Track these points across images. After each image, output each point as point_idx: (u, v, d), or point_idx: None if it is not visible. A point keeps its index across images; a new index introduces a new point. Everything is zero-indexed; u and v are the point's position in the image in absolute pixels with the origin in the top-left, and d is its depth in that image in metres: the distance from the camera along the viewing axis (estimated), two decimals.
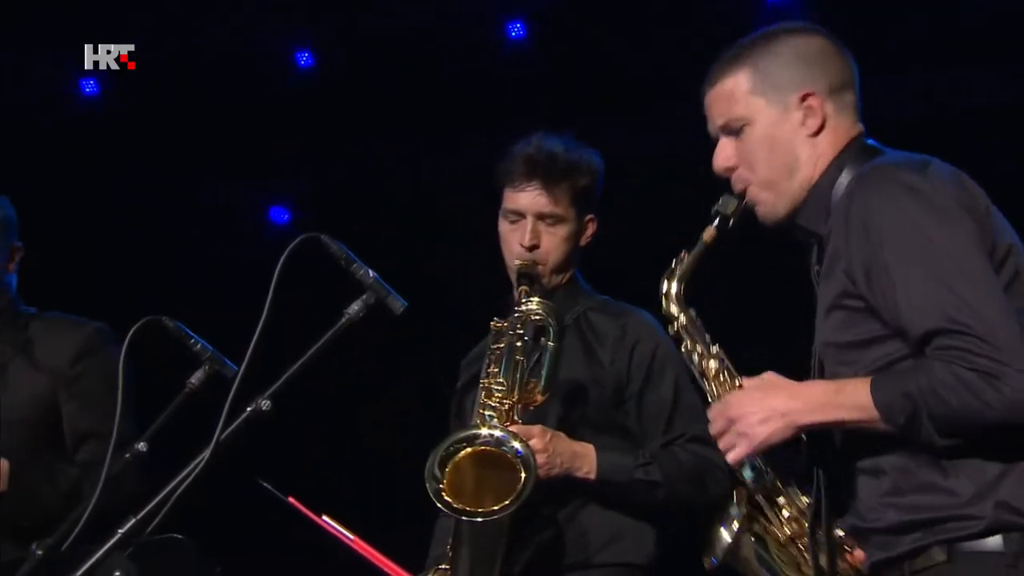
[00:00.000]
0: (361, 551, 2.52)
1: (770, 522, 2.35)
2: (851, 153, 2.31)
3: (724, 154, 2.36)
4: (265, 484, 2.53)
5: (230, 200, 5.06)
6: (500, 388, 2.98)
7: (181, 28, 4.96)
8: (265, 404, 2.54)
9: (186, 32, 4.97)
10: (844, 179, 2.28)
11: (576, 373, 3.11)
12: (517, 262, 3.12)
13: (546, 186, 3.10)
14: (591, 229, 3.20)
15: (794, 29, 2.38)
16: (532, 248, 3.12)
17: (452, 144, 4.87)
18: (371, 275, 2.66)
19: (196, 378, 2.89)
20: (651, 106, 4.68)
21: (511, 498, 2.83)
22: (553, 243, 3.13)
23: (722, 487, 2.98)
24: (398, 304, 2.66)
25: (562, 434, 3.02)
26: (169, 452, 2.77)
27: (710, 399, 2.37)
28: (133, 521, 2.43)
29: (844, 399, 2.17)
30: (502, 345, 3.01)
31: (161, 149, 4.99)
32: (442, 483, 2.83)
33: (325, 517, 2.57)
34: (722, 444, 2.26)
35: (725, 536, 2.35)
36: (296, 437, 4.30)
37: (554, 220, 3.12)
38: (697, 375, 2.39)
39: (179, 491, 2.46)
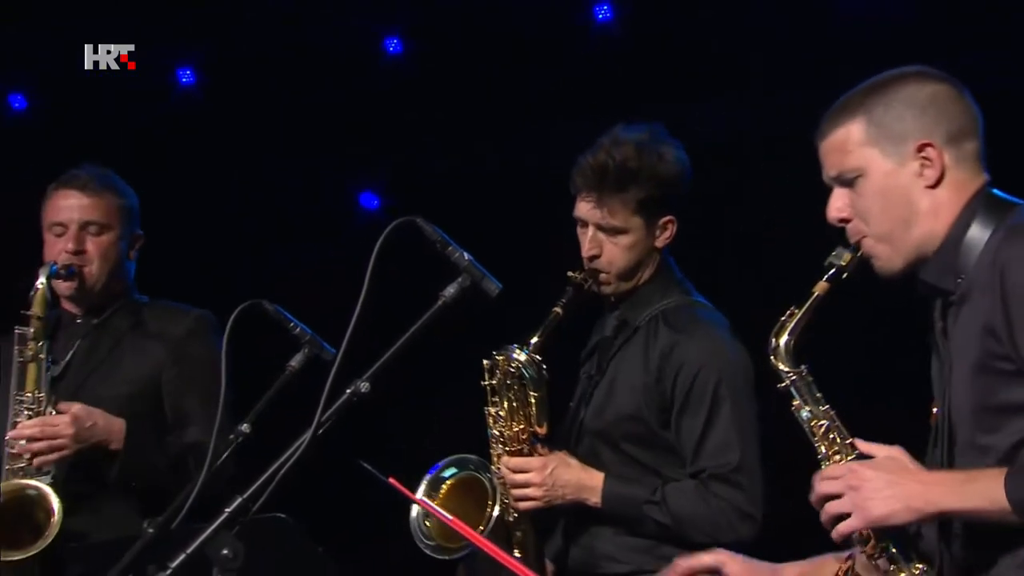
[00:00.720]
0: (461, 532, 2.54)
1: None
2: (979, 205, 2.24)
3: (837, 205, 2.31)
4: (366, 465, 2.55)
5: (321, 186, 5.09)
6: (501, 418, 3.02)
7: (273, 15, 4.99)
8: (364, 386, 2.57)
9: (279, 19, 5.00)
10: (978, 234, 2.21)
11: (627, 381, 3.09)
12: (569, 273, 3.11)
13: (600, 199, 3.06)
14: (670, 231, 3.13)
15: (909, 75, 2.31)
16: (593, 258, 3.09)
17: (541, 130, 4.85)
18: (466, 257, 2.68)
19: (296, 361, 2.97)
20: (742, 87, 4.62)
21: (483, 525, 2.95)
22: (615, 252, 3.10)
23: (740, 534, 2.97)
24: (493, 286, 2.68)
25: (574, 463, 3.02)
26: (270, 434, 2.82)
27: (819, 458, 2.31)
28: (239, 500, 2.46)
29: (975, 492, 2.12)
30: (494, 381, 3.03)
31: (253, 137, 5.04)
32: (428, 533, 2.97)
33: (424, 498, 2.59)
34: (832, 508, 2.21)
35: None
36: (397, 418, 4.34)
37: (612, 231, 3.09)
38: (807, 432, 2.32)
39: (282, 472, 2.50)
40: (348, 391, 2.55)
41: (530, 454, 3.01)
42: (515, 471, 2.99)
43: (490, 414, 3.02)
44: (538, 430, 3.02)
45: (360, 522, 4.42)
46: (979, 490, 2.11)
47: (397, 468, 2.57)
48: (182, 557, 2.40)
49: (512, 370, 2.99)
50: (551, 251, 3.21)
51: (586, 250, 3.10)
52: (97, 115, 4.97)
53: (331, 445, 2.55)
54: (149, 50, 4.93)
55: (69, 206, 3.42)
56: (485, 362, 3.02)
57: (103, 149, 3.83)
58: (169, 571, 2.40)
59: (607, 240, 3.09)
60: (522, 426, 3.01)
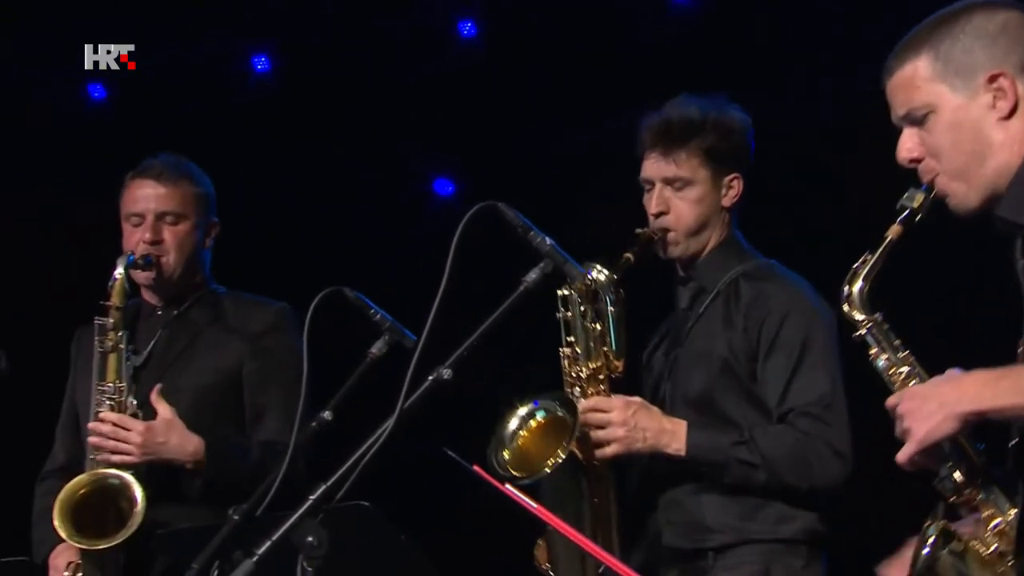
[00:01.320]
0: (545, 519, 2.50)
1: (973, 538, 2.18)
2: None
3: (908, 145, 2.23)
4: (450, 452, 2.52)
5: (395, 173, 5.07)
6: (580, 354, 2.94)
7: (348, 3, 4.98)
8: (446, 373, 2.54)
9: (352, 4, 4.98)
10: None
11: (712, 342, 3.03)
12: (637, 230, 3.06)
13: (666, 150, 3.05)
14: (737, 188, 3.11)
15: (976, 5, 2.21)
16: (659, 215, 3.06)
17: (616, 113, 4.79)
18: (548, 242, 2.65)
19: (377, 348, 2.96)
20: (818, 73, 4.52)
21: (551, 459, 2.81)
22: (682, 208, 3.06)
23: (832, 472, 2.89)
24: (576, 271, 2.65)
25: (655, 409, 2.94)
26: (352, 421, 2.81)
27: None
28: (323, 488, 2.45)
29: (1009, 383, 2.05)
30: (570, 313, 2.95)
31: (327, 124, 5.03)
32: (505, 452, 2.84)
33: (508, 486, 2.55)
34: (899, 434, 2.14)
35: (922, 555, 2.15)
36: (477, 405, 4.31)
37: (681, 184, 3.06)
38: (886, 382, 2.24)
39: (365, 459, 2.48)
40: (430, 378, 2.53)
41: (608, 394, 2.94)
42: (595, 411, 2.90)
43: (565, 355, 2.95)
44: (616, 364, 2.94)
45: (443, 510, 4.41)
46: (1011, 385, 2.05)
47: (482, 455, 2.55)
48: (268, 544, 2.39)
49: (590, 286, 2.91)
50: (627, 235, 3.16)
51: (653, 207, 3.07)
52: (175, 104, 4.99)
53: (414, 432, 2.53)
54: (218, 37, 4.93)
55: (145, 196, 3.43)
56: (560, 292, 2.94)
57: (179, 139, 3.84)
58: (255, 558, 2.39)
59: (674, 196, 3.07)
60: (600, 363, 2.93)
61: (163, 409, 3.28)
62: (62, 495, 3.18)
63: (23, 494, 3.47)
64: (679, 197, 3.07)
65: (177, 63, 4.97)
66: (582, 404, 2.91)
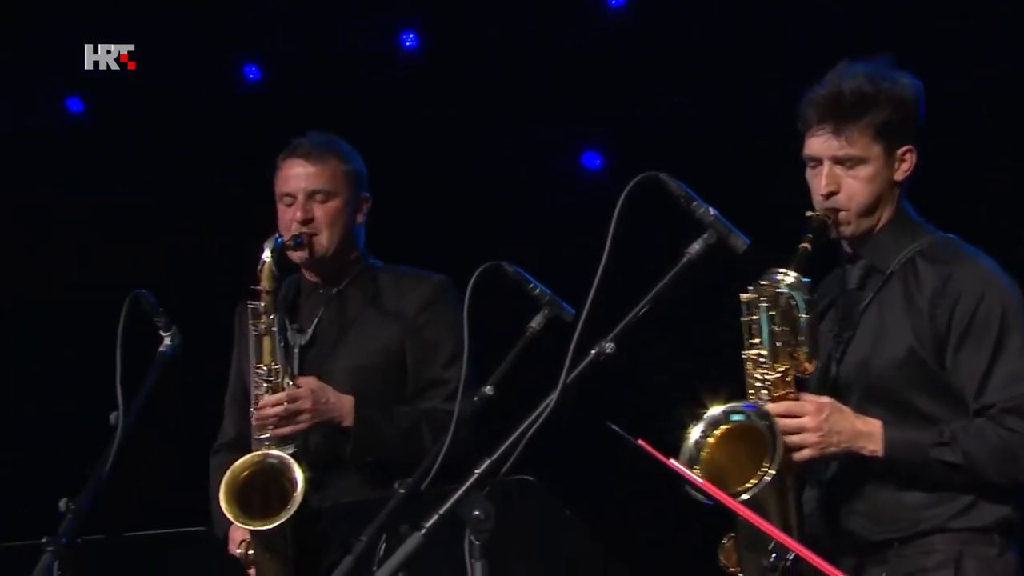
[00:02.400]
0: (713, 495, 2.43)
1: None
2: None
3: None
4: (614, 427, 2.47)
5: (543, 146, 5.03)
6: (765, 359, 2.78)
7: None
8: (609, 347, 2.50)
9: None
10: None
11: (893, 328, 2.84)
12: (808, 213, 2.89)
13: (836, 127, 2.84)
14: (909, 162, 2.89)
15: None
16: (829, 195, 2.86)
17: (765, 83, 4.66)
18: (712, 213, 2.57)
19: (536, 322, 2.92)
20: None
21: (754, 479, 2.68)
22: (855, 187, 2.86)
23: None
24: (741, 242, 2.57)
25: (847, 410, 2.78)
26: (513, 395, 2.78)
27: None
28: (488, 462, 2.42)
29: None
30: (756, 317, 2.79)
31: (475, 99, 5.01)
32: (698, 464, 2.71)
33: (674, 460, 2.49)
34: None
35: None
36: (646, 380, 4.26)
37: (852, 162, 2.85)
38: None
39: (529, 433, 2.45)
40: (593, 351, 2.49)
41: (796, 398, 2.78)
42: (786, 416, 2.75)
43: (749, 357, 2.79)
44: (807, 367, 2.78)
45: (607, 484, 4.36)
46: None
47: (645, 431, 2.49)
48: (435, 517, 2.38)
49: (781, 293, 2.75)
50: (780, 206, 3.05)
51: (823, 187, 2.87)
52: (325, 83, 5.02)
53: (578, 406, 2.49)
54: (367, 16, 4.90)
55: (296, 175, 3.43)
56: (743, 296, 2.79)
57: (332, 117, 3.85)
58: (423, 531, 2.38)
59: (845, 174, 2.87)
60: (787, 366, 2.77)
61: (310, 380, 3.32)
62: (227, 477, 3.23)
63: (202, 466, 3.53)
64: (851, 175, 2.86)
65: (323, 42, 5.00)
66: (772, 410, 2.76)
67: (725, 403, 2.77)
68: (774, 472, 2.69)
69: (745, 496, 2.67)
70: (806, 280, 2.76)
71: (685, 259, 2.56)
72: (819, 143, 2.88)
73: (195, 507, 3.44)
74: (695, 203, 2.57)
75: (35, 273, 5.35)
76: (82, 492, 2.76)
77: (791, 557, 2.59)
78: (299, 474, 3.21)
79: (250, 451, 3.32)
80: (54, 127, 5.33)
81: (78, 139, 5.35)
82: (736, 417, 2.75)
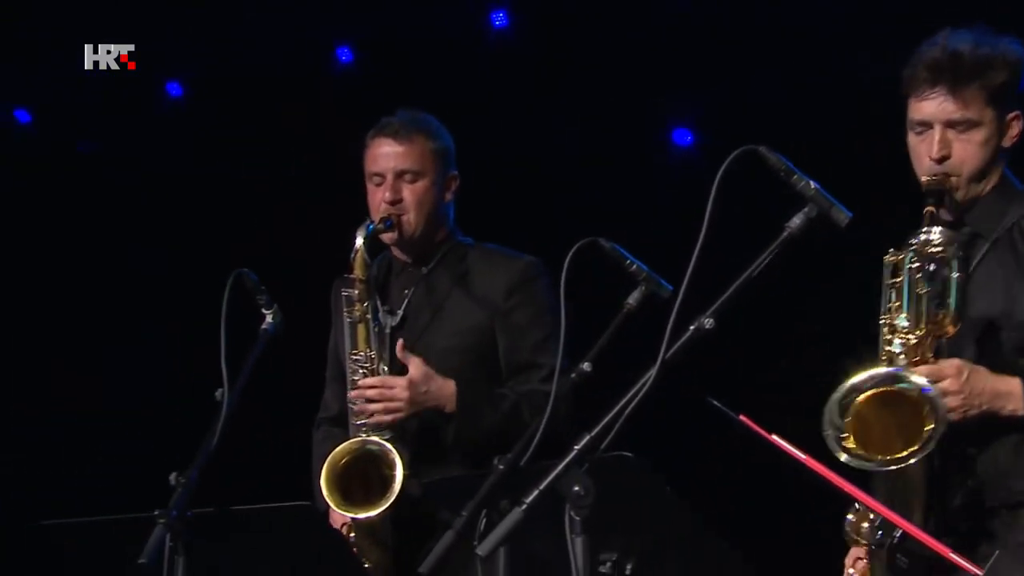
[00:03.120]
0: (814, 470, 2.38)
1: None
2: None
3: None
4: (715, 402, 2.43)
5: (632, 122, 4.98)
6: (905, 323, 2.71)
7: None
8: (708, 323, 2.46)
9: None
10: None
11: (1003, 295, 2.79)
12: (924, 178, 2.82)
13: (953, 89, 2.79)
14: (1016, 128, 2.85)
15: None
16: (942, 160, 2.80)
17: (855, 56, 4.56)
18: (813, 186, 2.51)
19: (633, 298, 2.89)
20: None
21: (919, 444, 2.60)
22: (968, 151, 2.81)
23: None
24: (843, 215, 2.51)
25: (982, 369, 2.72)
26: (611, 372, 2.75)
27: None
28: (587, 438, 2.40)
29: None
30: (900, 279, 2.73)
31: (564, 78, 4.98)
32: (843, 431, 2.62)
33: (775, 436, 2.45)
34: None
35: None
36: (745, 355, 4.21)
37: (966, 126, 2.80)
38: None
39: (628, 410, 2.42)
40: (692, 327, 2.45)
41: (935, 363, 2.70)
42: (928, 379, 2.66)
43: (888, 322, 2.72)
44: (949, 330, 2.72)
45: (707, 460, 4.32)
46: None
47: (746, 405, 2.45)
48: (536, 493, 2.37)
49: (933, 252, 2.69)
50: (882, 178, 2.98)
51: (935, 151, 2.81)
52: (420, 62, 5.03)
53: (677, 382, 2.46)
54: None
55: (384, 155, 3.40)
56: (888, 258, 2.74)
57: (424, 95, 3.85)
58: (524, 507, 2.37)
59: (957, 138, 2.81)
60: (926, 330, 2.70)
61: (414, 362, 3.29)
62: (326, 465, 3.24)
63: (304, 440, 3.57)
64: (963, 139, 2.81)
65: (414, 23, 5.00)
66: (918, 373, 2.68)
67: (872, 368, 2.69)
68: (937, 438, 2.60)
69: (912, 461, 2.60)
70: (955, 234, 2.70)
71: (785, 233, 2.51)
72: (932, 106, 2.82)
73: (298, 481, 3.48)
74: (795, 176, 2.52)
75: (142, 253, 5.46)
76: (191, 466, 2.80)
77: (898, 534, 2.54)
78: (398, 461, 3.21)
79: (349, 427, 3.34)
80: (158, 108, 5.41)
81: (178, 120, 5.43)
82: (902, 385, 2.65)
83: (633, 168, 4.98)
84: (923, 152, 2.84)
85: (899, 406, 2.65)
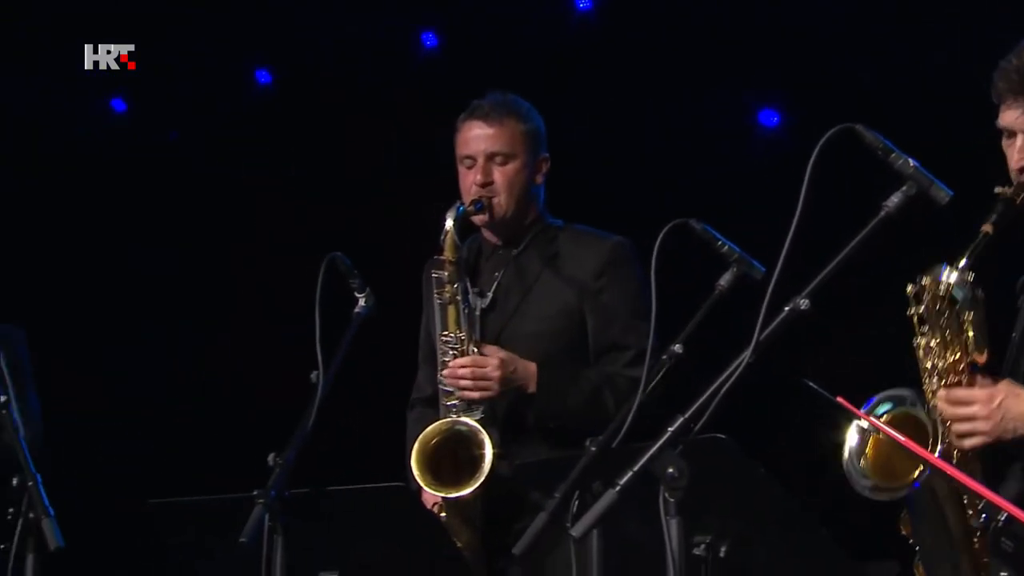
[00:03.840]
0: (913, 451, 2.33)
1: None
2: None
3: None
4: (811, 384, 2.39)
5: (719, 105, 4.92)
6: (934, 348, 2.65)
7: None
8: (803, 304, 2.40)
9: None
10: None
11: None
12: (997, 189, 2.70)
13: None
14: None
15: None
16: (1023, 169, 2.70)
17: (947, 35, 4.45)
18: (912, 164, 2.45)
19: (725, 280, 2.85)
20: None
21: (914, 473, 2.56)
22: None
23: None
24: (943, 193, 2.44)
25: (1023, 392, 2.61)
26: (701, 354, 2.72)
27: None
28: (681, 420, 2.37)
29: None
30: (924, 308, 2.66)
31: (653, 59, 4.94)
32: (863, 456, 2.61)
33: (872, 418, 2.40)
34: None
35: None
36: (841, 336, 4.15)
37: None
38: None
39: (722, 391, 2.39)
40: (787, 308, 2.40)
41: (970, 385, 2.67)
42: (956, 404, 2.65)
43: (920, 346, 2.69)
44: (977, 359, 2.67)
45: (801, 443, 4.26)
46: None
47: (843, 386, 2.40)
48: (630, 475, 2.34)
49: (941, 293, 2.67)
50: (978, 163, 2.89)
51: (1016, 161, 2.72)
52: (506, 45, 5.01)
53: (771, 365, 2.41)
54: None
55: (475, 137, 3.39)
56: (909, 288, 2.69)
57: (512, 77, 3.82)
58: (618, 488, 2.34)
59: None
60: (958, 355, 2.67)
61: (499, 351, 3.30)
62: (417, 445, 3.24)
63: (397, 421, 3.58)
64: None
65: (498, 7, 4.98)
66: (941, 397, 2.65)
67: (888, 392, 2.66)
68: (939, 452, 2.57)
69: (910, 484, 2.57)
70: (970, 276, 2.64)
71: (883, 213, 2.45)
72: (1012, 116, 2.73)
73: (392, 461, 3.49)
74: (894, 154, 2.46)
75: (238, 240, 5.53)
76: (288, 447, 2.82)
77: (1003, 517, 2.47)
78: (487, 441, 3.21)
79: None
80: (246, 97, 5.46)
81: (266, 109, 5.48)
82: (889, 408, 2.63)
83: (720, 150, 4.92)
84: (1009, 158, 2.75)
85: (913, 430, 2.60)
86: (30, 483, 2.86)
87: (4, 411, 3.00)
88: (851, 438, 2.62)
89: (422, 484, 3.23)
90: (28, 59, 5.22)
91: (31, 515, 2.85)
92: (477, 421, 3.26)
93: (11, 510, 2.89)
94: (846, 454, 2.64)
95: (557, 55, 5.01)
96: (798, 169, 2.43)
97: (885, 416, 2.66)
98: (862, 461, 2.62)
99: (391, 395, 3.70)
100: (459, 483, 3.22)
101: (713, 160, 4.90)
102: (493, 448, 3.20)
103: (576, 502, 2.57)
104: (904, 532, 2.71)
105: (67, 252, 5.51)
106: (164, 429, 5.41)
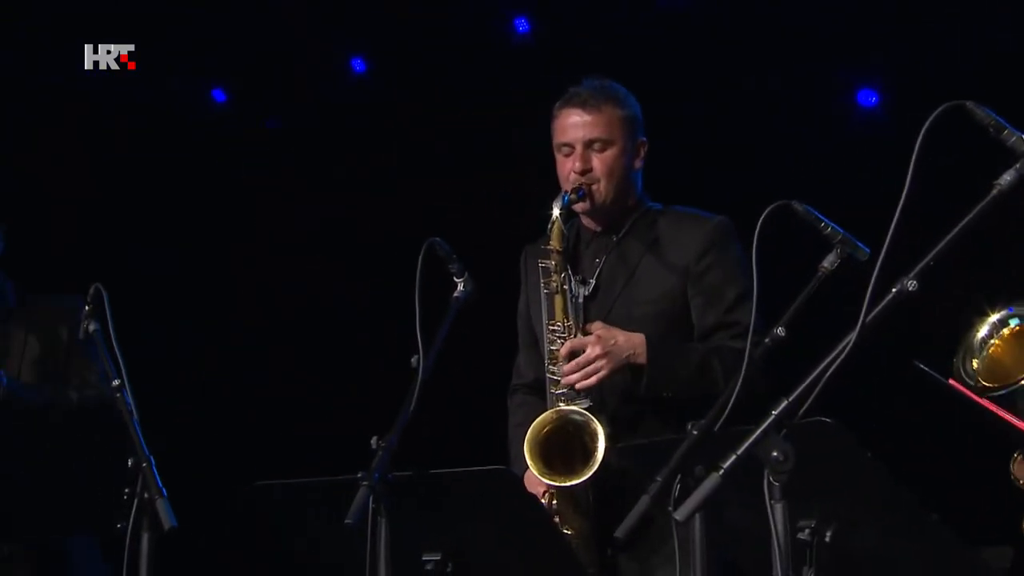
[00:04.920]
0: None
1: None
2: None
3: None
4: (922, 366, 2.31)
5: (818, 84, 4.81)
6: None
7: None
8: (911, 285, 2.32)
9: None
10: None
11: None
12: None
13: None
14: None
15: None
16: None
17: None
18: None
19: (828, 261, 2.78)
20: None
21: None
22: None
23: None
24: None
25: None
26: (806, 336, 2.65)
27: None
28: (785, 403, 2.31)
29: None
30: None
31: (748, 40, 4.84)
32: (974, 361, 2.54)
33: (987, 401, 2.31)
34: None
35: None
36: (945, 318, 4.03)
37: None
38: None
39: (828, 374, 2.32)
40: (894, 289, 2.32)
41: None
42: None
43: None
44: None
45: (911, 427, 4.16)
46: None
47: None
48: (733, 458, 2.29)
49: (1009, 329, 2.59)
50: None
51: None
52: (592, 32, 4.97)
53: (878, 347, 2.34)
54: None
55: (573, 124, 3.35)
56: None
57: (605, 61, 3.77)
58: (722, 472, 2.29)
59: None
60: None
61: (595, 324, 3.25)
62: (529, 434, 3.21)
63: (497, 406, 3.56)
64: None
65: None
66: None
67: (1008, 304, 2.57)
68: None
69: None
70: None
71: (995, 191, 2.35)
72: None
73: (492, 445, 3.48)
74: (1006, 131, 2.36)
75: (335, 228, 5.57)
76: (391, 431, 2.82)
77: None
78: (600, 429, 3.16)
79: (546, 394, 3.30)
80: (342, 84, 5.49)
81: (361, 93, 5.49)
82: (1016, 320, 2.54)
83: (819, 130, 4.81)
84: None
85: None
86: (144, 464, 2.92)
87: (118, 394, 3.05)
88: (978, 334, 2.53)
89: (534, 472, 3.19)
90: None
91: (146, 495, 2.90)
92: (587, 409, 3.21)
93: (127, 490, 2.95)
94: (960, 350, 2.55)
95: (651, 37, 4.94)
96: (898, 146, 2.36)
97: (1016, 327, 2.55)
98: (975, 361, 2.53)
99: (489, 380, 3.69)
100: (570, 471, 3.18)
101: (813, 141, 4.79)
102: (605, 439, 3.15)
103: (678, 486, 2.53)
104: (1015, 475, 2.62)
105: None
106: (272, 413, 5.48)
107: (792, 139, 4.80)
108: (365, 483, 2.72)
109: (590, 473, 3.16)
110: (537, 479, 3.22)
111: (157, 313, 5.24)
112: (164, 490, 2.91)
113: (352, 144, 5.53)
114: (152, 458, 2.92)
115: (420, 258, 3.02)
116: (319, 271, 5.54)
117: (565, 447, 3.23)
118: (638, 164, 3.39)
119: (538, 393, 3.38)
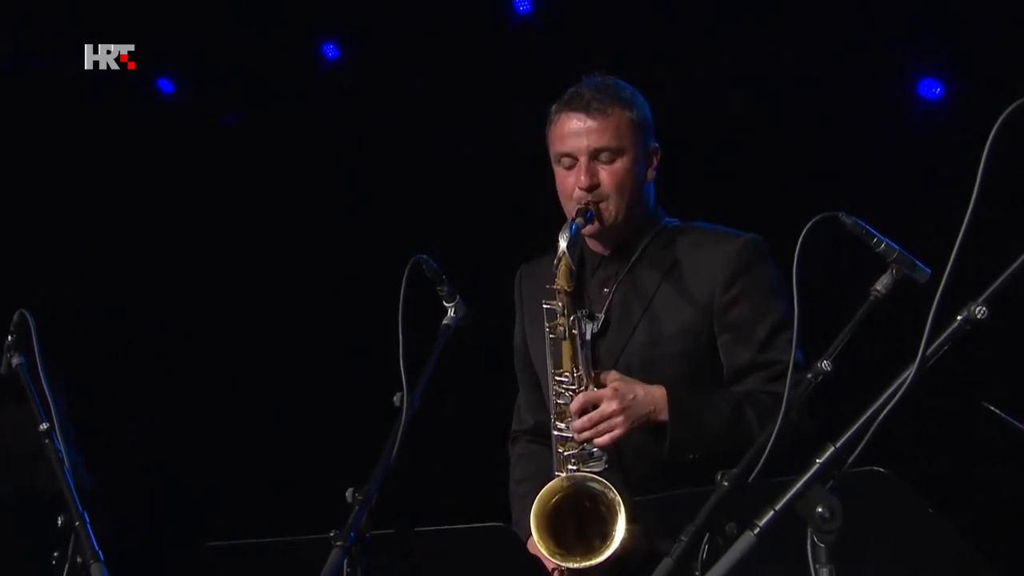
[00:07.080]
0: None
1: None
2: None
3: None
4: (991, 407, 2.33)
5: (878, 74, 4.85)
6: None
7: None
8: (980, 311, 2.34)
9: None
10: None
11: None
12: None
13: None
14: None
15: None
16: None
17: None
18: None
19: (882, 284, 2.77)
20: None
21: None
22: None
23: None
24: None
25: None
26: (857, 371, 2.67)
27: None
28: (832, 451, 2.32)
29: None
30: None
31: (802, 28, 4.88)
32: None
33: None
34: None
35: None
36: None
37: None
38: None
39: (881, 416, 2.34)
40: (959, 318, 2.34)
41: None
42: None
43: None
44: None
45: (982, 476, 4.17)
46: None
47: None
48: (771, 515, 2.30)
49: None
50: None
51: None
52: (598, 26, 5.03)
53: (939, 384, 2.36)
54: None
55: (575, 132, 3.25)
56: None
57: (605, 58, 3.80)
58: (757, 531, 2.30)
59: None
60: None
61: (611, 376, 3.18)
62: (536, 506, 3.16)
63: (496, 453, 3.57)
64: None
65: None
66: None
67: None
68: None
69: None
70: None
71: None
72: None
73: (490, 498, 3.48)
74: None
75: (303, 244, 5.60)
76: (369, 481, 2.82)
77: None
78: (618, 500, 3.10)
79: (550, 439, 3.26)
80: (317, 76, 5.54)
81: (336, 84, 5.54)
82: None
83: (870, 127, 4.85)
84: None
85: None
86: (77, 523, 2.90)
87: (47, 440, 3.04)
88: None
89: (544, 553, 3.13)
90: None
91: (79, 559, 2.89)
92: (603, 474, 3.15)
93: (56, 554, 2.93)
94: None
95: (694, 22, 4.99)
96: (965, 147, 2.38)
97: None
98: None
99: (487, 421, 3.69)
100: (587, 550, 3.13)
101: (862, 140, 4.83)
102: (626, 509, 3.09)
103: (706, 546, 2.54)
104: None
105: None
106: (224, 461, 5.49)
107: (838, 137, 4.84)
108: (339, 543, 2.72)
109: (608, 553, 3.10)
110: (546, 557, 3.16)
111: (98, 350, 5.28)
112: (100, 553, 2.88)
113: (323, 142, 5.57)
114: (87, 515, 2.90)
115: (404, 279, 3.01)
116: (289, 292, 5.57)
117: (578, 520, 3.17)
118: (651, 174, 3.30)
119: (541, 440, 3.36)
